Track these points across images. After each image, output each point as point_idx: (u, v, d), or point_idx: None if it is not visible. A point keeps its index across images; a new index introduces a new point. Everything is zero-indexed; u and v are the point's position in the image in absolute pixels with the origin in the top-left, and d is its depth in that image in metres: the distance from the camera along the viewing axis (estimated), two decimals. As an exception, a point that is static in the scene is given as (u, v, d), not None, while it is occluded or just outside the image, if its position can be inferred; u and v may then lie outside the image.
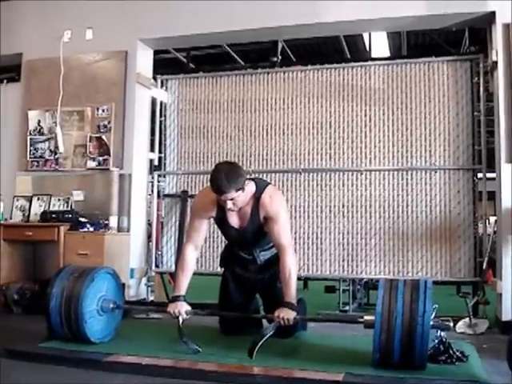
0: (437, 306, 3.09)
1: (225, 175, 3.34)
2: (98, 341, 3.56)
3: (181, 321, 3.52)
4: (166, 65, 7.93)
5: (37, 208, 5.51)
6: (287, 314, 3.33)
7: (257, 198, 3.53)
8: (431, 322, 3.00)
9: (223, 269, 4.05)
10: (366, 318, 3.27)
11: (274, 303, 3.51)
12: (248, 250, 3.79)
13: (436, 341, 3.19)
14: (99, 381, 3.02)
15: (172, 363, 3.24)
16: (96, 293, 3.60)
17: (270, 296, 3.80)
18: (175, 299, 3.56)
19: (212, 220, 3.75)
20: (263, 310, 3.93)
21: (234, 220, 3.62)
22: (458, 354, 3.19)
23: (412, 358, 2.97)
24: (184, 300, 3.56)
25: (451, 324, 3.17)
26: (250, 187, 3.53)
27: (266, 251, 3.75)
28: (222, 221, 3.66)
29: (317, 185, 5.31)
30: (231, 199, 3.38)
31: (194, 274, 3.74)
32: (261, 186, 3.59)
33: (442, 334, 3.20)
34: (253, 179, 3.68)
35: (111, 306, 3.67)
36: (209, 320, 3.96)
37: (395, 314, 2.99)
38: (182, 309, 3.52)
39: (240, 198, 3.41)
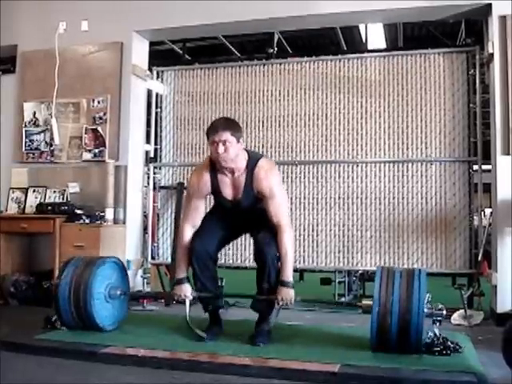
0: (429, 294, 3.18)
1: (224, 119, 3.69)
2: (109, 328, 3.68)
3: (187, 303, 3.55)
4: (162, 56, 7.92)
5: (32, 200, 5.50)
6: (288, 295, 3.37)
7: (251, 169, 3.48)
8: (425, 310, 3.11)
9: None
10: (364, 302, 3.43)
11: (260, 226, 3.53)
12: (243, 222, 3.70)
13: (431, 333, 3.21)
14: (96, 372, 3.02)
15: (168, 355, 3.25)
16: (104, 280, 3.70)
17: (257, 227, 3.62)
18: (179, 282, 3.57)
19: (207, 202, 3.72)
20: (250, 234, 3.82)
21: (227, 191, 3.55)
22: (453, 345, 3.21)
23: (408, 340, 3.07)
24: (188, 281, 3.57)
25: (444, 312, 3.21)
26: (244, 153, 3.52)
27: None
28: (216, 193, 3.60)
29: (313, 177, 5.32)
30: (224, 143, 3.35)
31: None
32: (254, 157, 3.55)
33: (436, 330, 3.22)
34: (245, 150, 3.60)
35: (118, 292, 3.77)
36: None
37: (392, 297, 3.11)
38: (188, 292, 3.54)
39: (232, 147, 3.38)
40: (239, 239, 5.30)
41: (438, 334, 3.21)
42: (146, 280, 5.50)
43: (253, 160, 3.51)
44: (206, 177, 3.54)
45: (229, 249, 5.34)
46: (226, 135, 3.37)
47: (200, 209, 3.61)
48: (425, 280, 3.18)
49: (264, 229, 3.50)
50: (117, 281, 3.83)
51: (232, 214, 3.65)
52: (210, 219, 3.67)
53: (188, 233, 3.58)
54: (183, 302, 3.57)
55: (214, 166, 3.52)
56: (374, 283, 3.28)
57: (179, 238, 3.68)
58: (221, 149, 3.37)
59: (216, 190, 3.57)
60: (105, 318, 3.68)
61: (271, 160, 3.76)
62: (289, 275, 3.40)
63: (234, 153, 3.41)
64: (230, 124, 3.50)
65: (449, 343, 3.20)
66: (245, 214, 3.61)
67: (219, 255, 3.79)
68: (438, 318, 3.20)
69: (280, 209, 3.46)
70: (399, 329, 3.08)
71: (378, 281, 3.23)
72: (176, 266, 3.68)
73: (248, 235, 5.16)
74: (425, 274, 3.23)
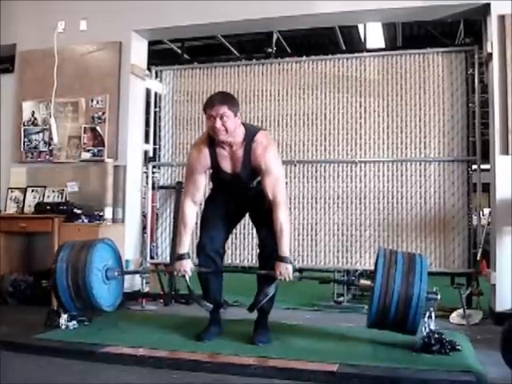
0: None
1: (221, 94, 3.69)
2: (107, 309, 3.76)
3: (187, 279, 3.57)
4: (161, 56, 7.92)
5: (31, 200, 5.49)
6: (286, 269, 3.37)
7: (248, 143, 3.46)
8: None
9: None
10: (361, 281, 3.46)
11: (261, 216, 3.58)
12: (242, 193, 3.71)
13: (427, 329, 3.23)
14: (94, 372, 3.02)
15: (167, 354, 3.26)
16: (101, 260, 3.78)
17: (257, 210, 3.69)
18: (180, 258, 3.57)
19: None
20: (251, 220, 3.87)
21: (226, 165, 3.54)
22: (451, 343, 3.22)
23: (406, 318, 3.16)
24: (188, 257, 3.58)
25: (438, 296, 3.25)
26: (242, 127, 3.49)
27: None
28: (215, 167, 3.59)
29: (311, 176, 5.32)
30: (221, 117, 3.33)
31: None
32: (251, 131, 3.52)
33: (431, 326, 3.24)
34: (243, 123, 3.56)
35: (116, 273, 3.85)
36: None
37: (394, 275, 3.20)
38: (187, 267, 3.55)
39: (230, 121, 3.36)
40: (238, 240, 5.35)
41: (433, 330, 3.23)
42: (144, 280, 5.50)
43: (250, 134, 3.49)
44: (206, 151, 3.52)
45: (228, 248, 5.33)
46: (223, 109, 3.34)
47: (200, 184, 3.59)
48: (426, 263, 3.31)
49: (267, 220, 3.47)
50: (113, 264, 3.90)
51: (233, 193, 3.66)
52: (213, 207, 3.70)
53: (188, 208, 3.58)
54: (183, 277, 3.58)
55: (213, 141, 3.49)
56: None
57: (180, 213, 3.69)
58: (218, 123, 3.34)
59: (215, 164, 3.55)
60: (102, 298, 3.72)
61: (269, 134, 3.72)
62: (285, 251, 3.39)
63: (232, 127, 3.39)
64: (227, 98, 3.46)
65: (444, 337, 3.22)
66: (245, 191, 3.63)
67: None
68: (433, 303, 3.25)
69: (276, 185, 3.44)
70: (398, 307, 3.14)
71: (381, 260, 3.28)
72: (177, 242, 3.67)
73: (247, 235, 5.26)
74: (426, 259, 3.37)
